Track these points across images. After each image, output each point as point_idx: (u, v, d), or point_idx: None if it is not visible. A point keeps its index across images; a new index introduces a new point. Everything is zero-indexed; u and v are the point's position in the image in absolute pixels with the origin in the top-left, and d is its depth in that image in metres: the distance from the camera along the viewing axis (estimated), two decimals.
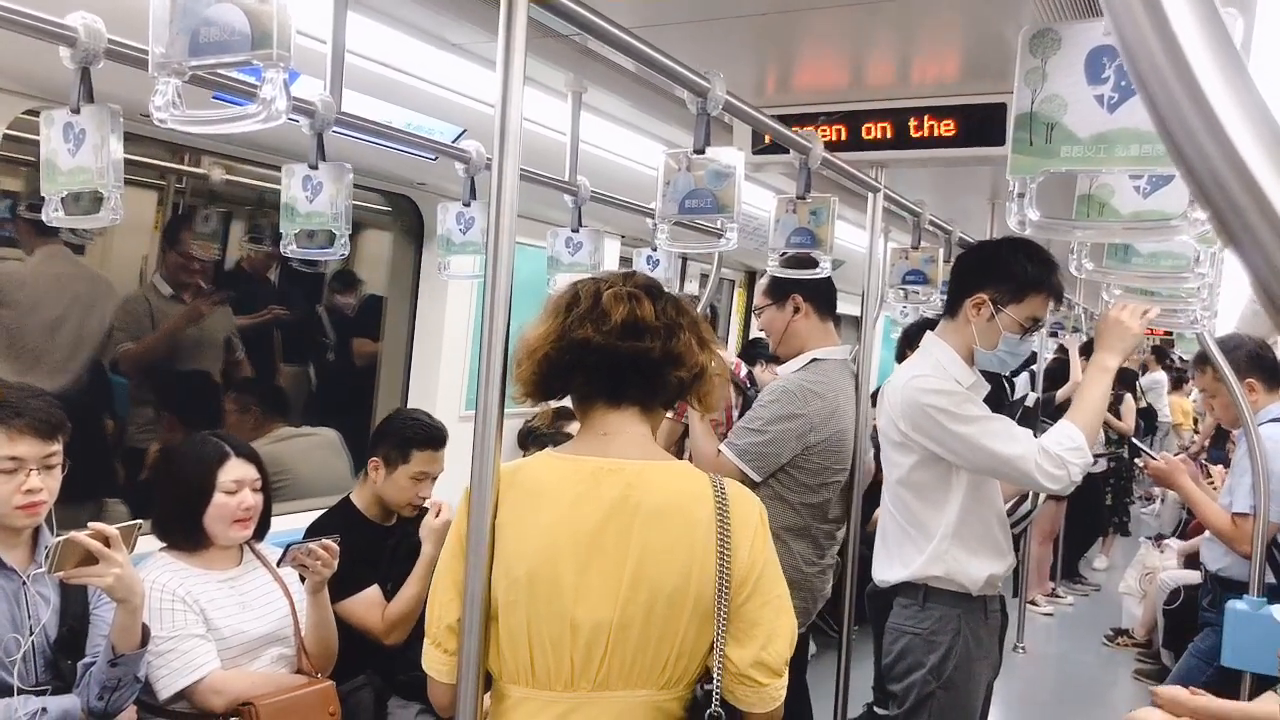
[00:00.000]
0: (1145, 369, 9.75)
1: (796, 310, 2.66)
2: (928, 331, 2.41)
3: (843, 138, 2.56)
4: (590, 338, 1.36)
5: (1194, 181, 0.38)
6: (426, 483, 2.58)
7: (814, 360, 2.62)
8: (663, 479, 1.36)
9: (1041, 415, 4.75)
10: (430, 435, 2.60)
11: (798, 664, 2.72)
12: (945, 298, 2.95)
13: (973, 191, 3.57)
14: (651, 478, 1.35)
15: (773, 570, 1.37)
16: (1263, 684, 2.66)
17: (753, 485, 2.45)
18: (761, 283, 2.83)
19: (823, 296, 2.68)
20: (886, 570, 2.33)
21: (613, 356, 1.36)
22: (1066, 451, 2.07)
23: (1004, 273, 2.20)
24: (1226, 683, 2.85)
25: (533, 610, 1.30)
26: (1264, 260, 0.36)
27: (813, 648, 4.44)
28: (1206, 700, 2.23)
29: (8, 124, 1.98)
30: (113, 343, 3.07)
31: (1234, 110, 0.37)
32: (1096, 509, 6.47)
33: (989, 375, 2.37)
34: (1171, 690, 2.04)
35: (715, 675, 1.32)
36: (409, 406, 3.21)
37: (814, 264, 2.12)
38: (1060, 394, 5.82)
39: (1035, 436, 2.16)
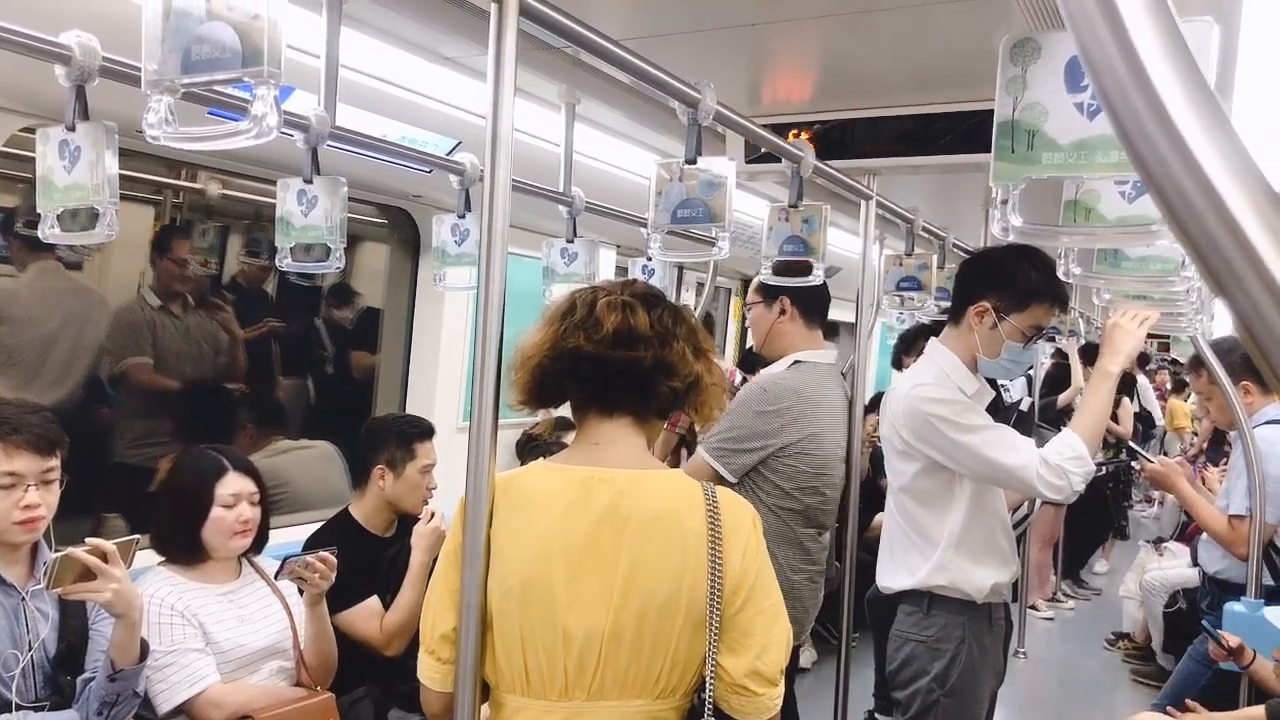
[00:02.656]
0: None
1: (783, 312, 2.64)
2: (931, 338, 2.41)
3: (835, 146, 2.57)
4: (581, 346, 1.37)
5: (1176, 226, 0.38)
6: (430, 474, 2.62)
7: (796, 362, 2.59)
8: (654, 488, 1.36)
9: (1039, 421, 4.75)
10: (424, 426, 2.67)
11: (787, 675, 2.71)
12: (939, 304, 2.96)
13: (966, 198, 3.58)
14: (642, 486, 1.35)
15: (766, 578, 1.37)
16: (1260, 686, 2.67)
17: (729, 487, 2.45)
18: (755, 280, 2.83)
19: (811, 302, 2.65)
20: (891, 577, 2.32)
21: (604, 365, 1.37)
22: (1067, 461, 2.07)
23: (1007, 280, 2.19)
24: (1225, 685, 2.86)
25: (526, 619, 1.31)
26: (1246, 301, 0.37)
27: (811, 656, 4.44)
28: (1197, 716, 2.27)
29: (4, 141, 1.99)
30: (110, 357, 3.07)
31: (1209, 148, 0.37)
32: (1100, 513, 6.46)
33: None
34: None
35: (709, 685, 1.31)
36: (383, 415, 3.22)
37: (807, 271, 2.12)
38: (1062, 399, 5.83)
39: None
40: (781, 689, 1.36)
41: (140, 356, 3.15)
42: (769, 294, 2.67)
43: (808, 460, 2.48)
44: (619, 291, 1.43)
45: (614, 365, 1.37)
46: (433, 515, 2.50)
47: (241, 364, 3.55)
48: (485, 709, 1.39)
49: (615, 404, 1.40)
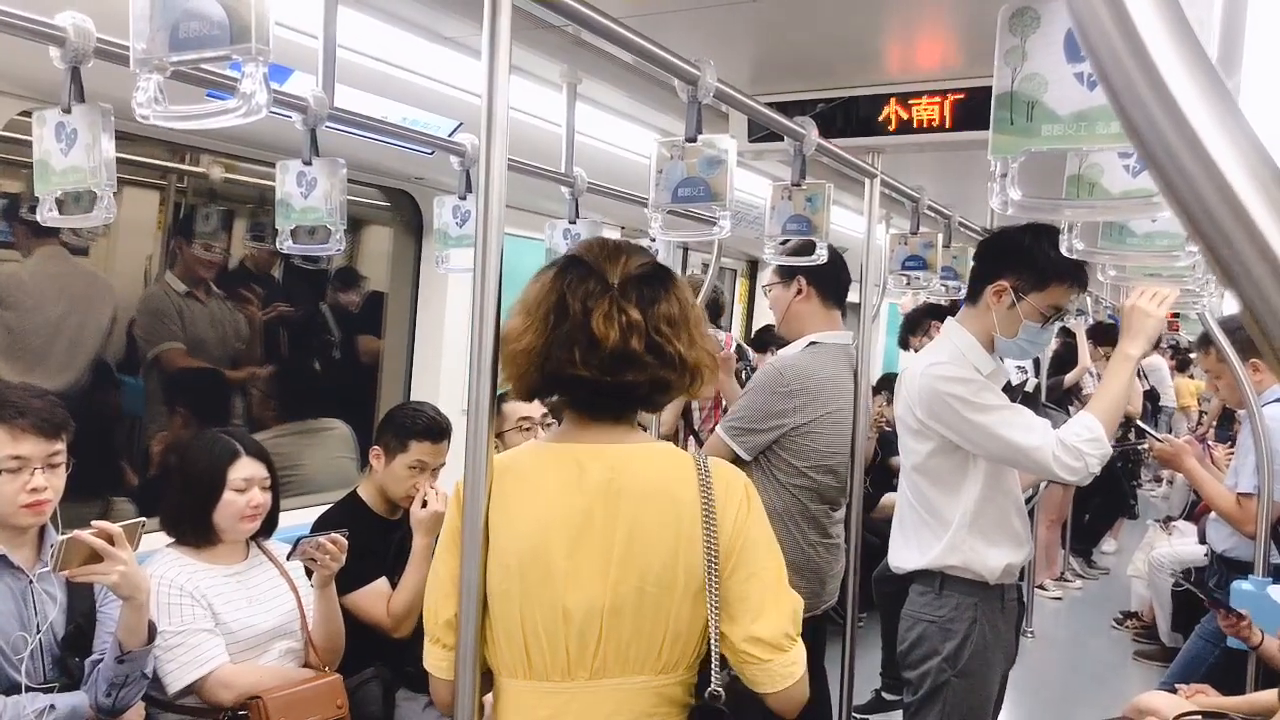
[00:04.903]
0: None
1: (799, 292, 2.67)
2: (948, 318, 2.40)
3: (839, 124, 2.55)
4: (578, 372, 1.30)
5: (1176, 203, 0.37)
6: (425, 474, 2.56)
7: (812, 344, 2.62)
8: (646, 461, 1.35)
9: (1045, 401, 4.73)
10: (429, 426, 2.58)
11: (813, 651, 2.72)
12: (944, 283, 2.94)
13: (972, 175, 3.55)
14: (635, 460, 1.34)
15: (759, 544, 1.34)
16: (1269, 665, 2.66)
17: (743, 465, 2.47)
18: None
19: (829, 282, 2.68)
20: (903, 557, 2.31)
21: (596, 388, 1.32)
22: (1084, 443, 2.05)
23: (1027, 260, 2.18)
24: (1233, 663, 2.85)
25: (525, 600, 1.30)
26: (1251, 287, 0.35)
27: None
28: (1208, 698, 2.28)
29: (2, 126, 1.99)
30: (141, 341, 3.12)
31: (1212, 127, 0.35)
32: (1114, 492, 6.44)
33: None
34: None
35: (713, 651, 1.30)
36: (414, 400, 3.21)
37: (814, 250, 2.11)
38: (1068, 379, 5.80)
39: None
40: (794, 655, 1.32)
41: (173, 342, 3.19)
42: (786, 274, 2.70)
43: (820, 439, 2.54)
44: (621, 269, 1.34)
45: (608, 388, 1.32)
46: (426, 500, 2.47)
47: (260, 350, 3.59)
48: (489, 700, 1.39)
49: (605, 412, 1.37)
